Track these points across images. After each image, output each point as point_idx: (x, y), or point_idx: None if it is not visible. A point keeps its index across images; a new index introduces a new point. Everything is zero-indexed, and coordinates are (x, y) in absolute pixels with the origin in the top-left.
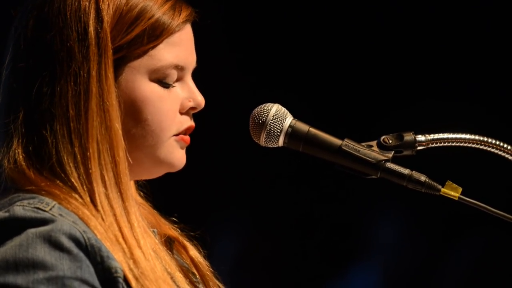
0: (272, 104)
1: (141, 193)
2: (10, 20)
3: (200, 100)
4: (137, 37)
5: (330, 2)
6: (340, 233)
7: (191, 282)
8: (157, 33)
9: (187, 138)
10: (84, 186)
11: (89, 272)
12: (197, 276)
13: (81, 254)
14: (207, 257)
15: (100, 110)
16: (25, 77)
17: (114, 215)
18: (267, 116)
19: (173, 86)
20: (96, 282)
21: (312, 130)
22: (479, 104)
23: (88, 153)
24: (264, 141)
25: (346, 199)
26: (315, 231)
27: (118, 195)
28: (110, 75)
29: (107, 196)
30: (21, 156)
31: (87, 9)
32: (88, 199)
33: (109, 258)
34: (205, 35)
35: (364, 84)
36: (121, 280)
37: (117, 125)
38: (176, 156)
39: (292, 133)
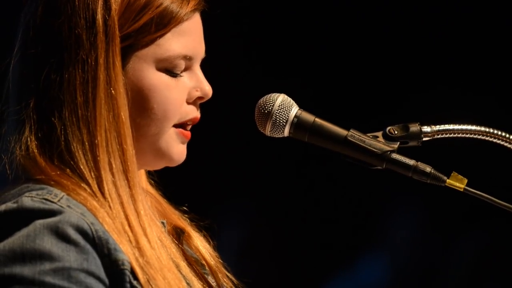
0: (278, 94)
1: (152, 182)
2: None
3: (207, 90)
4: (144, 26)
5: None
6: (348, 223)
7: (197, 272)
8: (164, 22)
9: (187, 133)
10: (92, 173)
11: (95, 264)
12: (207, 268)
13: (88, 246)
14: (216, 248)
15: (107, 97)
16: (34, 63)
17: (121, 203)
18: (272, 106)
19: (181, 76)
20: (102, 274)
21: (318, 120)
22: (489, 95)
23: (96, 141)
24: (269, 131)
25: (354, 188)
26: (321, 221)
27: (125, 182)
28: (118, 63)
29: (115, 184)
30: (33, 144)
31: None
32: (96, 186)
33: (116, 250)
34: (214, 25)
35: (370, 74)
36: (128, 272)
37: (125, 113)
38: (175, 150)
39: (298, 123)
